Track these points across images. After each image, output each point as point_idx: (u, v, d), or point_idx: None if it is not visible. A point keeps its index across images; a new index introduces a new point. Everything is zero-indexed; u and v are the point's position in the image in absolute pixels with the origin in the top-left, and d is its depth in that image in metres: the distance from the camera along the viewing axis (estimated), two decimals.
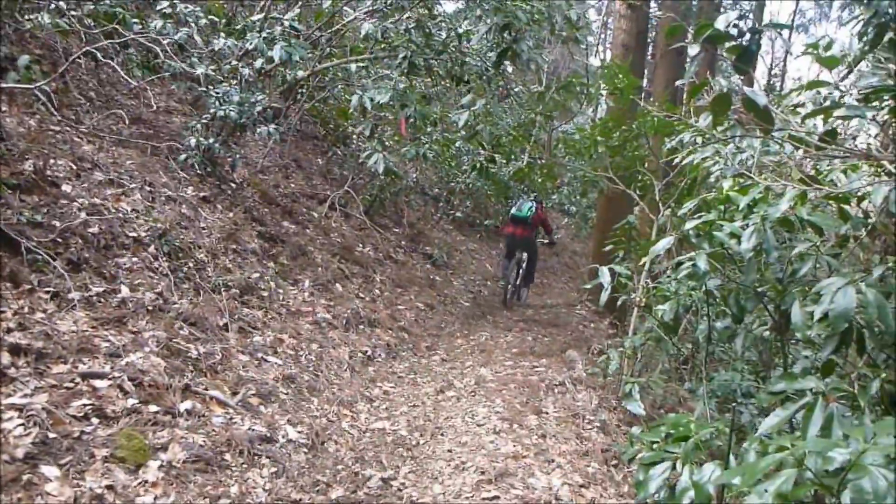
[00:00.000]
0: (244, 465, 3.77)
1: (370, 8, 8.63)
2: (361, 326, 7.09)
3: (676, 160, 5.35)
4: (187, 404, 3.99)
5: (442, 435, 5.03)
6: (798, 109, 3.69)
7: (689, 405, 6.78)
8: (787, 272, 3.39)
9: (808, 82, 2.55)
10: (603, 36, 22.41)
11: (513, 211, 10.53)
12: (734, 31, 2.19)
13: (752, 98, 2.23)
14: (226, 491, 3.47)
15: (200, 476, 3.47)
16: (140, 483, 3.19)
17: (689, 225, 3.36)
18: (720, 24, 2.17)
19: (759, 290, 3.52)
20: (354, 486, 4.09)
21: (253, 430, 4.15)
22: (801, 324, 3.09)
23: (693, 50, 2.23)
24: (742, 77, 3.45)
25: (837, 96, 2.45)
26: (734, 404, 5.45)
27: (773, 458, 1.97)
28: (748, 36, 2.15)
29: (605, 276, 3.62)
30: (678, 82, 8.27)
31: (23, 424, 3.11)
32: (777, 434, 3.66)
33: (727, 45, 2.18)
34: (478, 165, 10.08)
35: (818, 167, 3.37)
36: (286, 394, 4.90)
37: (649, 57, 15.59)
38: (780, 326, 3.54)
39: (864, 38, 2.64)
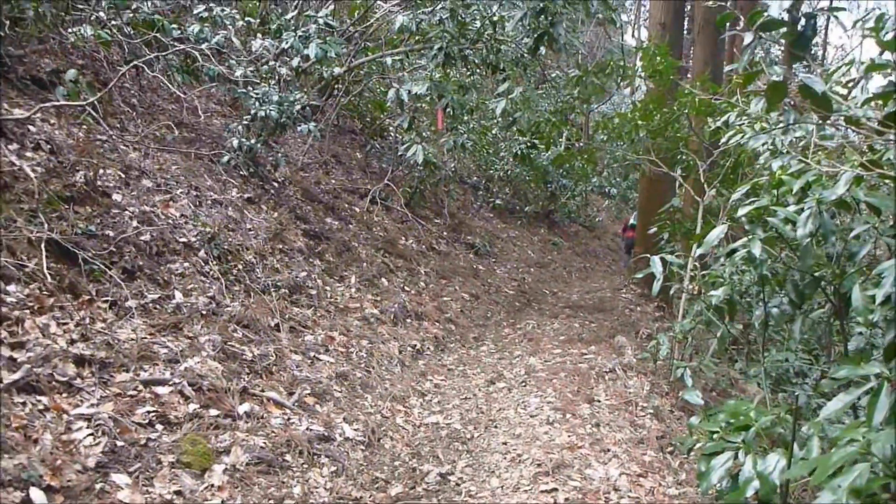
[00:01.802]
0: (304, 466, 3.83)
1: (403, 0, 8.61)
2: (409, 320, 7.13)
3: (722, 140, 5.25)
4: (246, 407, 4.07)
5: (496, 427, 5.05)
6: (849, 85, 3.59)
7: (741, 386, 6.70)
8: (844, 255, 3.32)
9: (868, 65, 2.47)
10: (638, 14, 22.03)
11: (631, 221, 13.51)
12: (787, 17, 2.14)
13: (809, 85, 2.17)
14: (289, 492, 3.54)
15: (263, 478, 3.55)
16: (206, 487, 3.27)
17: (741, 211, 3.30)
18: (774, 10, 2.12)
19: (817, 274, 3.45)
20: (413, 481, 4.13)
21: (311, 429, 4.21)
22: (863, 307, 3.02)
23: (748, 38, 2.18)
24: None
25: None
26: (792, 388, 5.37)
27: (845, 451, 1.94)
28: (803, 21, 2.09)
29: (657, 266, 3.57)
30: (727, 68, 8.11)
31: (92, 434, 3.20)
32: (838, 420, 3.60)
33: (782, 31, 2.12)
34: (519, 152, 10.03)
35: (873, 146, 3.27)
36: (340, 392, 4.96)
37: (686, 33, 15.28)
38: (839, 310, 3.46)
39: None
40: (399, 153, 9.68)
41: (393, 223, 9.78)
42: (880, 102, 2.52)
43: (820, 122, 2.70)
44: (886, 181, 3.22)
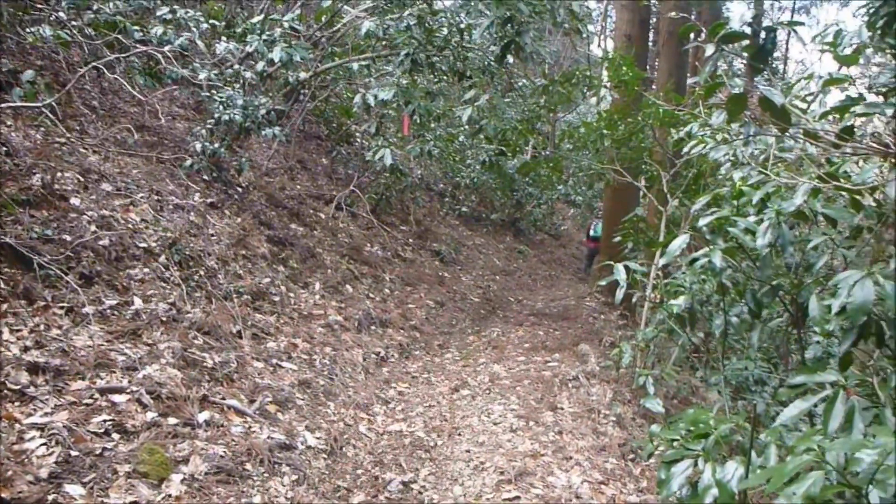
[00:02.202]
0: (265, 475, 3.78)
1: (370, 5, 8.59)
2: (373, 327, 7.10)
3: (684, 150, 5.32)
4: (205, 415, 4.00)
5: (459, 435, 5.04)
6: (807, 98, 3.67)
7: (702, 394, 6.78)
8: (803, 266, 3.38)
9: (826, 80, 2.52)
10: (604, 25, 22.30)
11: (591, 230, 13.90)
12: (748, 30, 2.17)
13: (768, 98, 2.21)
14: (249, 502, 3.49)
15: (223, 487, 3.49)
16: (164, 497, 3.20)
17: (703, 221, 3.34)
18: (735, 23, 2.15)
19: (775, 283, 3.50)
20: (375, 490, 4.10)
21: (272, 437, 4.16)
22: (819, 317, 3.07)
23: (709, 50, 2.21)
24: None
25: (855, 93, 2.43)
26: (751, 396, 5.44)
27: (801, 460, 1.97)
28: (763, 35, 2.13)
29: (620, 274, 3.60)
30: (690, 80, 8.23)
31: (45, 444, 3.12)
32: (795, 428, 3.65)
33: (743, 43, 2.16)
34: (486, 160, 10.05)
35: (830, 159, 3.34)
36: (302, 399, 4.91)
37: (651, 45, 15.51)
38: (797, 319, 3.52)
39: (875, 26, 2.61)
40: (366, 159, 9.65)
41: (358, 230, 9.73)
42: (837, 116, 2.57)
43: (779, 134, 2.75)
44: (842, 193, 3.29)
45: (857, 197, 3.09)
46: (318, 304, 6.77)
